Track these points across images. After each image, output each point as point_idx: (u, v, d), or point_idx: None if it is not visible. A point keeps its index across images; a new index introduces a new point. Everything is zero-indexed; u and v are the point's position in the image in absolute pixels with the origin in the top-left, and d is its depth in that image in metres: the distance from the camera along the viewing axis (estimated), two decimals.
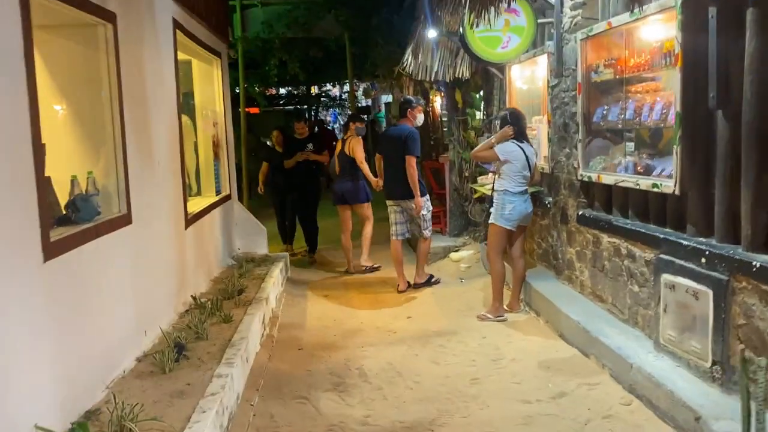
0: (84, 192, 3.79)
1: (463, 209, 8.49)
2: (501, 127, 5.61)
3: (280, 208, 8.55)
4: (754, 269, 3.15)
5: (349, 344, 5.21)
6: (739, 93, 3.32)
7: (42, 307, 2.99)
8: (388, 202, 6.94)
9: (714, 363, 3.42)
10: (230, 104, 7.86)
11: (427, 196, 6.84)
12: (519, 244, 5.70)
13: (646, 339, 4.17)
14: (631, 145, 4.53)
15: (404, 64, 8.15)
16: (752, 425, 2.53)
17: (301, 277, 7.70)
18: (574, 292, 5.33)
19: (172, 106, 5.31)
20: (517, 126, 5.51)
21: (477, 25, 5.58)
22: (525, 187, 5.51)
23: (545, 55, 5.79)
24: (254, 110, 17.61)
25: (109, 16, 3.93)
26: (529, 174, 5.50)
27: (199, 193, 6.98)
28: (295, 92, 22.49)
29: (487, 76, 7.67)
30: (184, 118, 6.22)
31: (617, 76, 4.63)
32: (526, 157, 5.45)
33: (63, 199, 3.69)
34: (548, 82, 5.74)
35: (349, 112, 15.07)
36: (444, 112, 9.59)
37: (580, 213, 5.13)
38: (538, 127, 6.17)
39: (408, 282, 6.88)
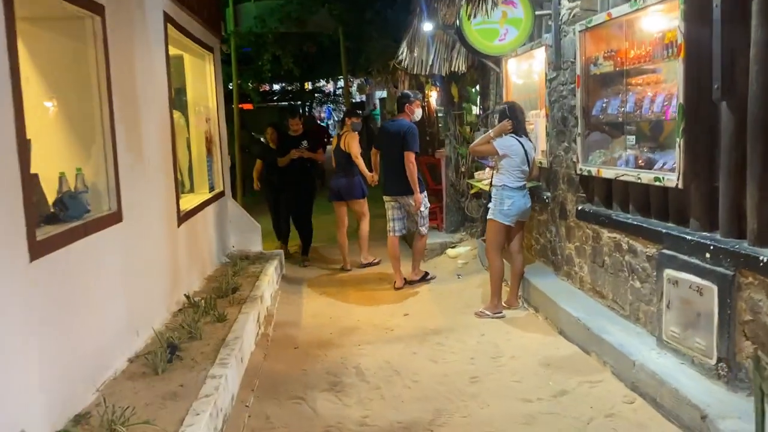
0: (72, 189, 3.69)
1: (460, 205, 8.41)
2: (499, 121, 5.53)
3: (275, 205, 8.43)
4: (761, 264, 3.08)
5: (346, 342, 5.13)
6: (745, 84, 3.25)
7: (29, 308, 2.90)
8: (386, 198, 6.86)
9: (719, 360, 3.35)
10: (223, 100, 7.76)
11: (425, 193, 6.76)
12: (518, 240, 5.63)
13: (649, 336, 4.10)
14: (631, 139, 4.45)
15: (399, 58, 8.05)
16: (767, 426, 2.45)
17: (296, 274, 7.61)
18: (574, 288, 5.26)
19: (164, 102, 5.21)
20: (515, 120, 5.43)
21: (474, 16, 5.49)
22: (524, 182, 5.43)
23: (542, 48, 5.70)
24: (248, 106, 17.51)
25: (98, 9, 3.83)
26: (527, 169, 5.42)
27: (192, 190, 6.89)
28: (289, 88, 22.41)
29: (483, 70, 7.58)
30: (177, 114, 6.13)
31: (617, 69, 4.55)
32: (525, 151, 5.37)
33: (51, 196, 3.59)
34: (546, 75, 5.66)
35: (344, 108, 14.98)
36: (440, 107, 9.50)
37: (580, 208, 5.06)
38: (536, 122, 6.09)
39: (404, 279, 6.80)
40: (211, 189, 7.11)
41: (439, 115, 9.80)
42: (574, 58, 5.01)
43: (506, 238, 5.57)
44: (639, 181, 4.18)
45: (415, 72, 7.97)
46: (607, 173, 4.58)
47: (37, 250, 2.97)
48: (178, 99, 6.47)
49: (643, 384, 3.67)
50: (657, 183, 3.96)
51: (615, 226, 4.53)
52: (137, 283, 4.27)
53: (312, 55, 14.48)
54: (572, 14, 5.11)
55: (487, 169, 6.76)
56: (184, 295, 5.20)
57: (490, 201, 5.55)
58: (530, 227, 6.20)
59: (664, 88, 4.12)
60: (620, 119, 4.56)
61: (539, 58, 5.94)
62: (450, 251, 7.84)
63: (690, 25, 3.58)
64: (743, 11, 3.24)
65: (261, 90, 17.67)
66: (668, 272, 3.79)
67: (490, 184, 5.59)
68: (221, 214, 7.28)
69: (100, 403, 3.23)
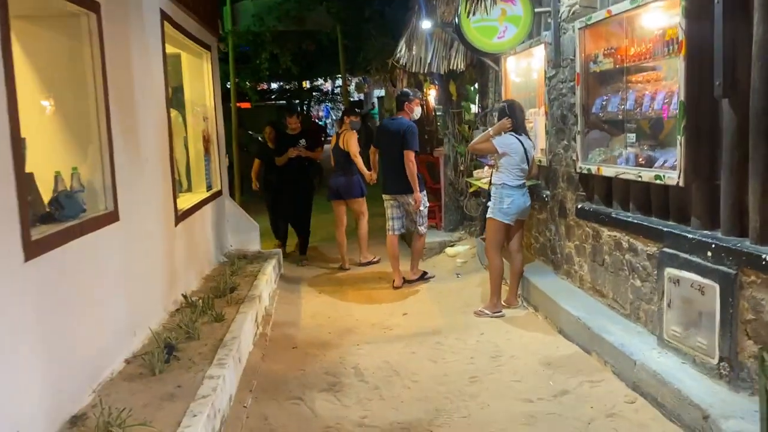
0: (68, 188, 3.65)
1: (459, 204, 8.38)
2: (499, 120, 5.49)
3: (273, 204, 8.38)
4: (764, 262, 3.05)
5: (345, 342, 5.10)
6: (747, 80, 3.22)
7: (24, 309, 2.86)
8: (385, 197, 6.82)
9: (721, 359, 3.32)
10: (221, 98, 7.72)
11: (424, 192, 6.72)
12: (517, 239, 5.60)
13: (649, 335, 4.07)
14: (632, 136, 4.42)
15: (398, 56, 8.02)
16: None
17: (294, 273, 7.58)
18: (574, 287, 5.23)
19: (161, 100, 5.17)
20: (515, 118, 5.39)
21: (473, 14, 5.46)
22: (523, 181, 5.40)
23: (542, 46, 5.67)
24: (246, 105, 17.46)
25: (93, 6, 3.79)
26: (527, 167, 5.39)
27: (189, 189, 6.85)
28: (287, 87, 22.37)
29: (482, 68, 7.54)
30: (174, 113, 6.09)
31: (617, 66, 4.52)
32: (525, 149, 5.33)
33: (47, 196, 3.55)
34: (545, 73, 5.63)
35: (342, 107, 14.93)
36: (438, 105, 9.47)
37: (579, 206, 5.03)
38: (535, 120, 6.06)
39: (403, 278, 6.77)
40: (209, 188, 7.07)
41: (438, 113, 9.76)
42: (574, 56, 4.98)
43: (506, 237, 5.54)
44: (639, 179, 4.15)
45: (413, 70, 7.93)
46: (608, 171, 4.55)
47: (32, 250, 2.93)
48: (175, 98, 6.43)
49: (645, 384, 3.64)
50: (658, 181, 3.93)
51: (615, 224, 4.50)
52: (134, 283, 4.23)
53: (310, 54, 14.42)
54: (572, 11, 5.07)
55: (486, 168, 6.73)
56: (182, 294, 5.16)
57: (490, 200, 5.51)
58: (529, 226, 6.17)
59: (665, 86, 4.09)
60: (620, 117, 4.53)
61: (538, 56, 5.91)
62: (449, 250, 7.82)
63: (691, 22, 3.54)
64: (745, 7, 3.21)
65: (259, 89, 17.64)
66: (669, 271, 3.76)
67: (490, 183, 5.56)
68: (219, 213, 7.24)
69: (97, 405, 3.20)
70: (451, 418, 3.69)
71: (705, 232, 3.60)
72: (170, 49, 5.76)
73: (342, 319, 5.79)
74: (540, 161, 5.79)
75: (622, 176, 4.37)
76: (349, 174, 7.46)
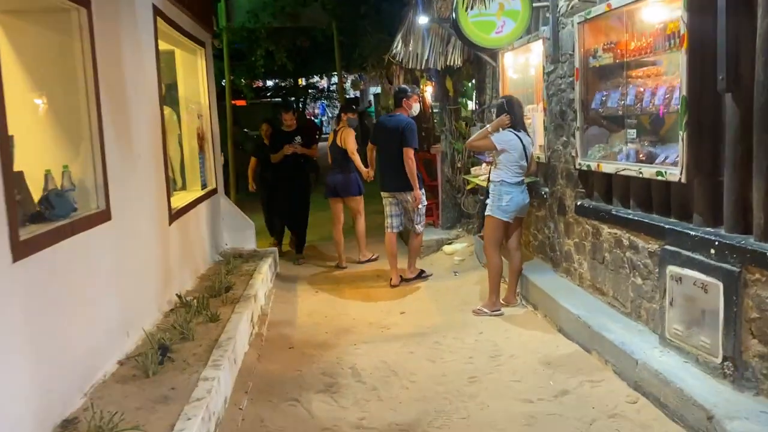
0: (59, 187, 3.58)
1: (456, 201, 8.31)
2: (497, 116, 5.43)
3: (268, 201, 8.31)
4: None
5: (342, 342, 5.03)
6: (750, 75, 3.16)
7: (13, 310, 2.79)
8: (383, 195, 6.75)
9: (725, 359, 3.27)
10: (215, 95, 7.63)
11: (422, 190, 6.65)
12: (516, 237, 5.54)
13: (651, 333, 4.02)
14: (632, 132, 4.36)
15: (394, 52, 7.94)
16: None
17: (290, 272, 7.50)
18: (573, 285, 5.17)
19: (154, 97, 5.09)
20: (513, 114, 5.32)
21: (471, 8, 5.39)
22: (522, 178, 5.33)
23: (540, 41, 5.60)
24: (241, 103, 17.38)
25: (83, 0, 3.70)
26: (526, 164, 5.32)
27: (184, 187, 6.77)
28: (283, 84, 22.29)
29: (479, 64, 7.47)
30: (168, 110, 6.02)
31: (617, 61, 4.45)
32: (524, 146, 5.26)
33: (37, 195, 3.47)
34: (543, 68, 5.56)
35: (338, 104, 14.84)
36: (435, 102, 9.40)
37: (579, 203, 4.97)
38: (533, 116, 5.99)
39: (400, 276, 6.71)
40: (204, 186, 6.99)
41: (435, 110, 9.69)
42: (573, 51, 4.91)
43: (504, 235, 5.48)
44: (640, 175, 4.09)
45: (410, 66, 7.86)
46: (608, 168, 4.49)
47: (21, 250, 2.86)
48: (169, 95, 6.35)
49: (647, 383, 3.59)
50: (659, 177, 3.87)
51: (615, 221, 4.44)
52: (127, 282, 4.16)
53: (305, 50, 14.34)
54: (570, 6, 5.01)
55: (484, 165, 6.67)
56: (176, 294, 5.09)
57: (488, 197, 5.45)
58: (528, 223, 6.11)
59: (665, 81, 4.03)
60: (620, 113, 4.47)
61: (536, 51, 5.84)
62: (446, 248, 7.75)
63: (693, 15, 3.48)
64: (749, 0, 3.15)
65: (254, 86, 17.55)
66: (671, 269, 3.70)
67: (488, 180, 5.49)
68: (214, 211, 7.16)
69: (88, 408, 3.12)
70: (450, 419, 3.63)
71: (708, 229, 3.54)
72: (164, 46, 5.68)
73: (339, 318, 5.72)
74: (538, 158, 5.72)
75: (622, 173, 4.31)
76: (347, 172, 7.38)
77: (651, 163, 4.07)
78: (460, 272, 6.91)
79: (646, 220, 4.06)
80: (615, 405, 3.60)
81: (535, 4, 5.57)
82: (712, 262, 3.37)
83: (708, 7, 3.37)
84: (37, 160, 3.60)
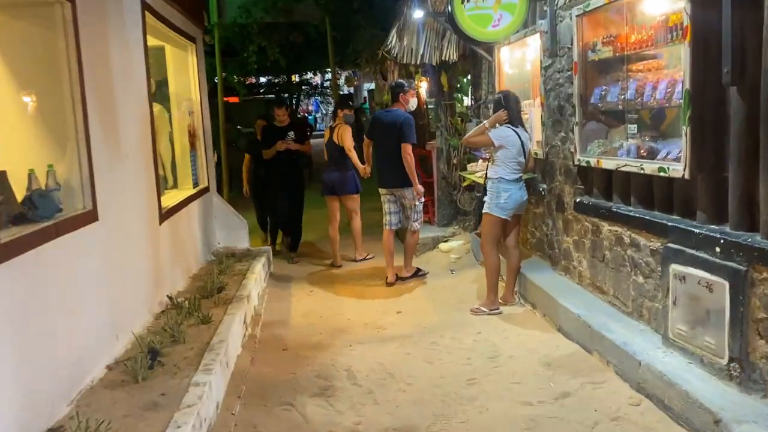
0: (43, 187, 3.46)
1: (452, 198, 8.21)
2: (494, 112, 5.32)
3: (261, 198, 8.18)
4: None
5: (337, 343, 4.93)
6: (757, 67, 3.06)
7: None
8: (381, 191, 6.63)
9: (731, 360, 3.17)
10: (207, 92, 7.50)
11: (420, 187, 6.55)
12: (514, 234, 5.44)
13: (653, 333, 3.93)
14: (633, 127, 4.26)
15: (388, 47, 7.83)
16: None
17: (284, 271, 7.38)
18: (572, 284, 5.08)
19: (142, 94, 4.97)
20: (510, 110, 5.22)
21: (468, 1, 5.29)
22: (520, 174, 5.24)
23: (537, 35, 5.50)
24: (233, 99, 17.23)
25: None
26: (524, 160, 5.22)
27: (175, 185, 6.64)
28: (276, 81, 22.16)
29: (474, 59, 7.36)
30: (158, 108, 5.89)
31: (617, 54, 4.36)
32: (522, 142, 5.16)
33: (21, 195, 3.36)
34: (541, 62, 5.46)
35: (332, 101, 14.73)
36: (431, 98, 9.29)
37: (578, 200, 4.87)
38: (530, 111, 5.89)
39: (396, 275, 6.60)
40: (195, 184, 6.86)
41: (430, 106, 9.59)
42: (571, 44, 4.81)
43: (502, 232, 5.38)
44: (642, 171, 3.99)
45: (404, 61, 7.76)
46: (608, 164, 4.39)
47: (2, 253, 2.75)
48: (159, 91, 6.22)
49: (650, 385, 3.50)
50: (662, 173, 3.78)
51: (616, 218, 4.34)
52: (116, 284, 4.05)
53: (299, 46, 14.21)
54: None
55: (480, 161, 6.57)
56: (167, 295, 4.98)
57: (485, 194, 5.35)
58: (525, 220, 6.02)
59: (667, 74, 3.93)
60: (620, 107, 4.37)
61: (533, 45, 5.74)
62: (442, 245, 7.65)
63: (696, 6, 3.39)
64: None
65: (247, 83, 17.41)
66: (674, 267, 3.61)
67: (485, 177, 5.39)
68: (206, 210, 7.04)
69: (74, 417, 3.01)
70: (449, 424, 3.53)
71: (712, 226, 3.45)
72: (153, 41, 5.55)
73: (334, 318, 5.62)
74: (536, 154, 5.62)
75: (623, 169, 4.22)
76: (344, 169, 7.25)
77: (653, 159, 3.98)
78: (457, 270, 6.82)
79: (648, 218, 3.97)
80: (618, 407, 3.51)
81: None
82: (717, 260, 3.28)
83: None
84: (20, 159, 3.49)
